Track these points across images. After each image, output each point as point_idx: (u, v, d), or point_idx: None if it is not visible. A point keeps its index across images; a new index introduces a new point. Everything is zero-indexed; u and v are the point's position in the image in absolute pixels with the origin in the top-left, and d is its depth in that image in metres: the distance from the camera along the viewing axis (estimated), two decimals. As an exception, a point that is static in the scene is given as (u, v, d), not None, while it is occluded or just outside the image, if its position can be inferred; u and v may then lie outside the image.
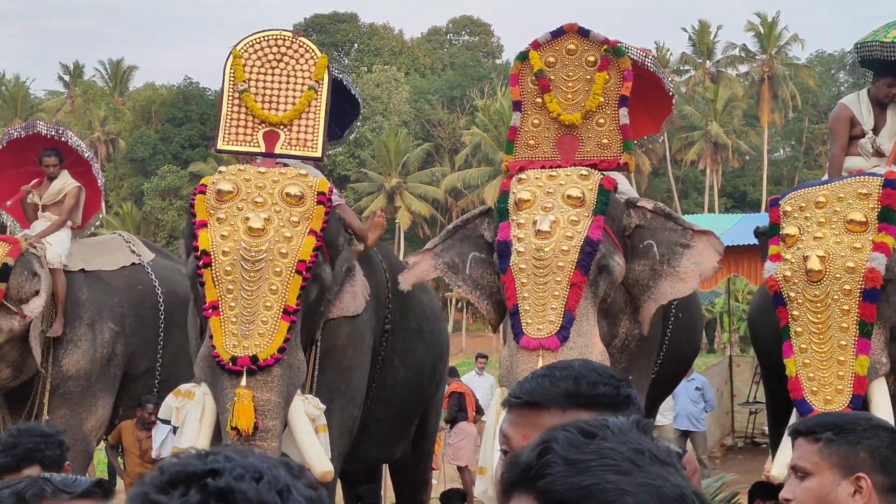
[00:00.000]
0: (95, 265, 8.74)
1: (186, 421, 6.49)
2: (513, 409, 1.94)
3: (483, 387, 14.17)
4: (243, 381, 6.20)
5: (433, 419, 9.43)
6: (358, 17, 61.28)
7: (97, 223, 9.73)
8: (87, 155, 8.99)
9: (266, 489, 1.14)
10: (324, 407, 6.61)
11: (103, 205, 9.32)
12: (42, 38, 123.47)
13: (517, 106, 7.22)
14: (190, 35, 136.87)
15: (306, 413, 6.48)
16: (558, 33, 7.19)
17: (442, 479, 12.69)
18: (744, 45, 56.46)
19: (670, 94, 8.04)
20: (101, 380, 8.44)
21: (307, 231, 6.58)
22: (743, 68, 57.58)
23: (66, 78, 60.04)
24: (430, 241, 7.35)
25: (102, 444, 9.60)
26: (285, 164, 7.11)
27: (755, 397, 15.52)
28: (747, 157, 55.46)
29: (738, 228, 13.89)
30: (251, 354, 6.23)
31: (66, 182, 8.80)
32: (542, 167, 6.89)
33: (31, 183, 8.77)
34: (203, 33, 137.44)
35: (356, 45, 60.06)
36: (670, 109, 8.17)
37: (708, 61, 56.50)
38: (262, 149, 7.22)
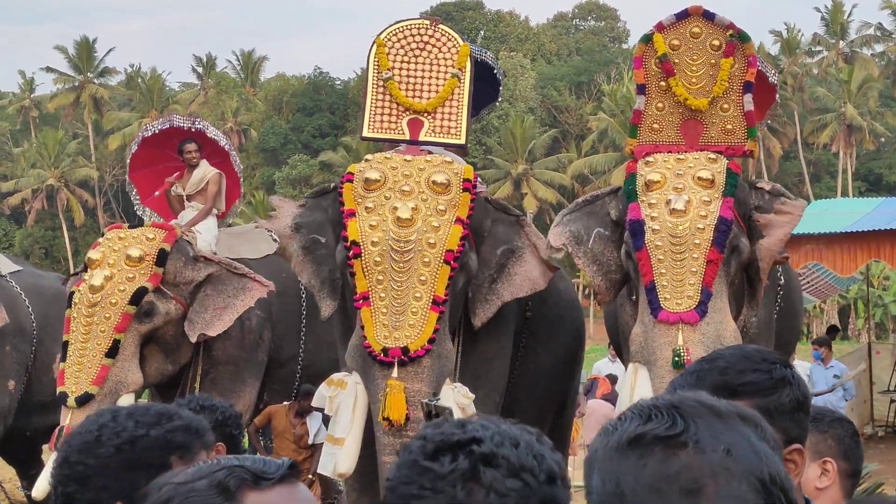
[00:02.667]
0: (241, 253, 8.85)
1: (339, 410, 6.56)
2: None
3: (616, 373, 14.08)
4: (394, 372, 6.24)
5: (570, 407, 9.40)
6: (483, 5, 61.31)
7: (238, 211, 9.90)
8: (224, 144, 9.13)
9: (525, 454, 1.25)
10: (473, 396, 6.62)
11: (242, 191, 9.48)
12: (176, 31, 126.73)
13: (641, 89, 7.24)
14: (320, 25, 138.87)
15: (455, 402, 6.49)
16: (683, 16, 7.17)
17: (580, 466, 12.63)
18: (879, 23, 54.93)
19: (773, 83, 8.06)
20: (248, 366, 8.57)
21: (454, 219, 6.60)
22: (879, 48, 55.98)
23: (200, 70, 61.41)
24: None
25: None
26: (429, 152, 7.13)
27: (896, 385, 15.16)
28: (883, 140, 53.91)
29: (879, 213, 13.57)
30: (402, 346, 6.28)
31: (206, 170, 8.96)
32: (669, 152, 6.95)
33: (174, 175, 8.96)
34: (332, 23, 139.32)
35: (482, 32, 60.05)
36: (774, 99, 8.26)
37: (841, 41, 55.01)
38: (407, 136, 7.25)
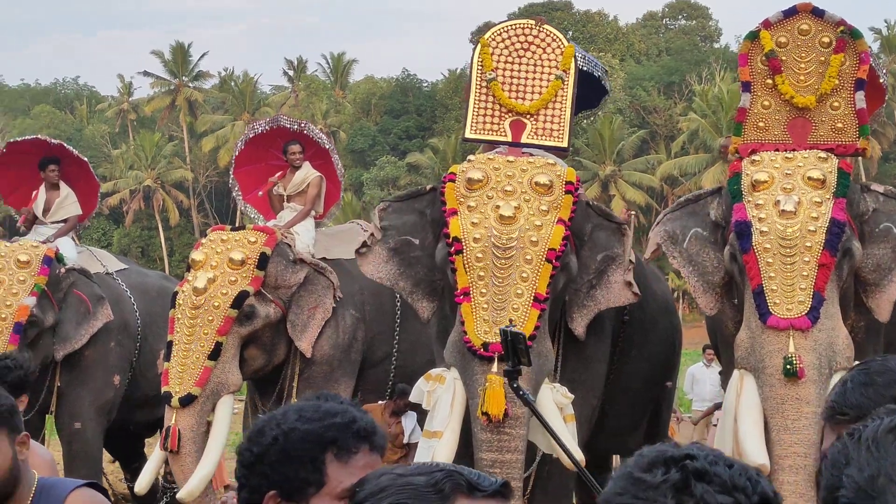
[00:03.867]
0: (336, 254, 8.96)
1: (437, 405, 6.60)
2: (839, 424, 1.95)
3: (711, 378, 13.93)
4: (494, 368, 6.26)
5: (665, 411, 9.35)
6: (572, 5, 61.00)
7: (337, 212, 10.02)
8: (327, 146, 9.26)
9: (738, 474, 1.29)
10: (572, 396, 6.62)
11: (342, 194, 9.60)
12: (268, 36, 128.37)
13: (746, 87, 7.10)
14: (408, 28, 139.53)
15: (554, 401, 6.51)
16: (791, 13, 7.03)
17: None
18: (985, 19, 53.39)
19: (883, 85, 7.85)
20: (342, 365, 8.67)
21: (556, 220, 6.60)
22: (984, 45, 54.50)
23: (291, 73, 62.11)
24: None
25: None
26: (530, 154, 7.15)
27: None
28: None
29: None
30: None
31: (308, 172, 9.09)
32: (776, 150, 6.79)
33: (277, 175, 9.10)
34: (420, 26, 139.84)
35: (570, 32, 59.72)
36: (883, 101, 7.99)
37: (944, 39, 53.68)
38: (509, 138, 7.26)
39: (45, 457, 3.73)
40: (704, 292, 6.86)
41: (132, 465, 11.27)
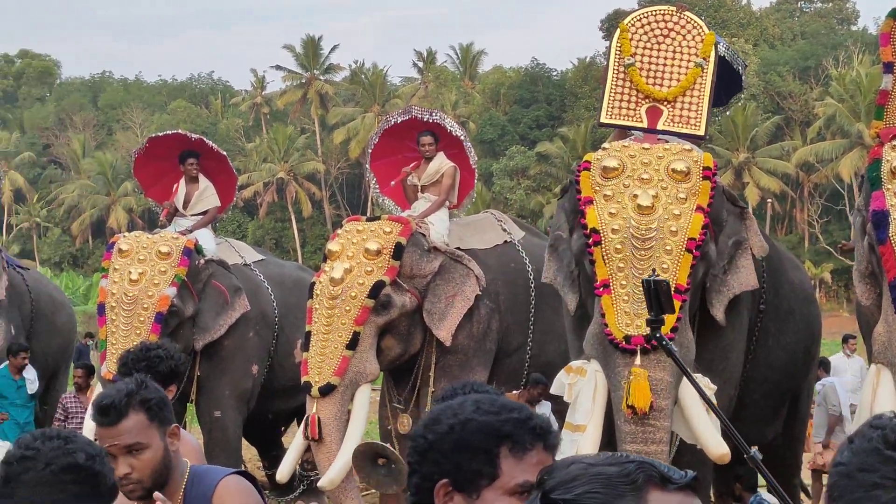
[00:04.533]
0: (470, 244, 8.95)
1: (579, 397, 6.55)
2: None
3: (852, 368, 13.53)
4: (637, 360, 6.18)
5: (804, 402, 9.11)
6: (704, -10, 59.96)
7: (470, 203, 10.00)
8: (460, 136, 9.23)
9: None
10: (714, 387, 6.48)
11: (481, 190, 9.57)
12: (398, 28, 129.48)
13: (888, 68, 6.80)
14: (537, 17, 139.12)
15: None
16: (934, -12, 6.73)
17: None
18: None
19: None
20: (477, 355, 8.65)
21: (694, 208, 6.47)
22: None
23: (420, 64, 62.51)
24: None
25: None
26: (666, 141, 7.02)
27: None
28: None
29: None
30: (645, 333, 6.20)
31: (442, 163, 9.09)
32: None
33: (410, 165, 9.13)
34: (549, 14, 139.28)
35: (702, 18, 58.76)
36: None
37: None
38: (645, 124, 7.15)
39: (193, 444, 3.79)
40: (858, 281, 6.66)
41: (270, 453, 11.48)
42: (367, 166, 9.67)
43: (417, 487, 2.03)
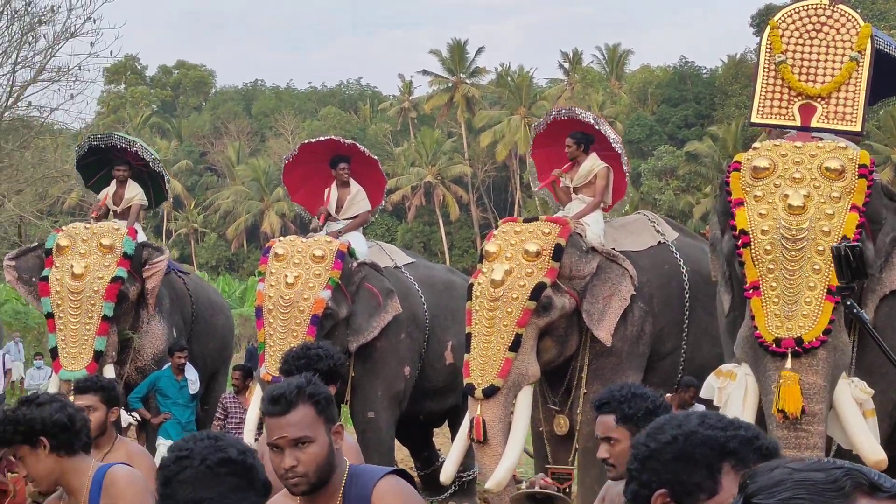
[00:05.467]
0: (624, 245, 8.86)
1: (729, 402, 6.46)
2: None
3: None
4: (788, 364, 6.07)
5: None
6: (860, -19, 58.13)
7: (623, 209, 9.92)
8: (613, 138, 9.11)
9: None
10: (871, 391, 6.33)
11: (628, 190, 9.47)
12: (543, 29, 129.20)
13: None
14: (684, 15, 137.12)
15: (853, 397, 6.24)
16: None
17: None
18: None
19: None
20: (630, 358, 8.58)
21: (849, 207, 6.32)
22: None
23: (566, 65, 62.23)
24: None
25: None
26: (820, 138, 6.87)
27: None
28: None
29: None
30: (795, 336, 6.08)
31: (594, 164, 9.03)
32: None
33: (564, 167, 9.11)
34: (697, 12, 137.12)
35: (858, 10, 57.00)
36: None
37: None
38: (798, 122, 7.01)
39: (351, 444, 3.87)
40: None
41: (422, 453, 11.62)
42: (529, 156, 9.60)
43: (635, 494, 2.04)
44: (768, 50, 7.15)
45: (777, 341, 6.13)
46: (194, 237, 63.94)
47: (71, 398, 4.29)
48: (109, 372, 9.66)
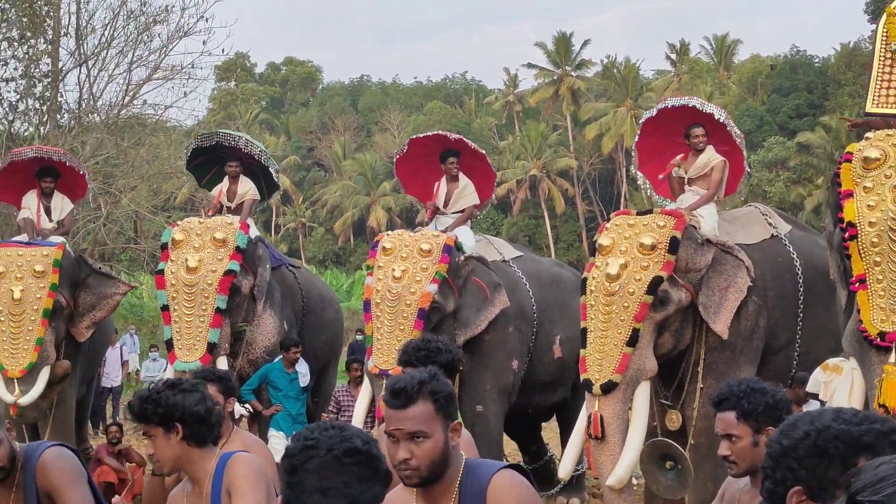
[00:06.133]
0: (736, 238, 8.72)
1: (834, 396, 6.36)
2: None
3: None
4: (892, 358, 5.92)
5: None
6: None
7: (739, 199, 9.74)
8: (730, 129, 8.95)
9: None
10: None
11: (743, 182, 9.31)
12: (649, 20, 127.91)
13: None
14: (794, 3, 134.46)
15: None
16: None
17: None
18: None
19: None
20: (744, 352, 8.43)
21: None
22: None
23: (673, 56, 61.53)
24: None
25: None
26: None
27: None
28: None
29: None
30: None
31: (711, 156, 8.90)
32: None
33: (678, 157, 9.00)
34: (808, 0, 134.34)
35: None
36: None
37: None
38: (916, 111, 6.82)
39: (466, 438, 3.88)
40: None
41: (530, 448, 11.61)
42: (634, 145, 9.49)
43: (770, 493, 2.01)
44: (884, 38, 6.97)
45: (881, 335, 5.99)
46: (302, 232, 64.80)
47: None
48: (222, 364, 9.83)
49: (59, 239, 10.93)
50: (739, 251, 8.25)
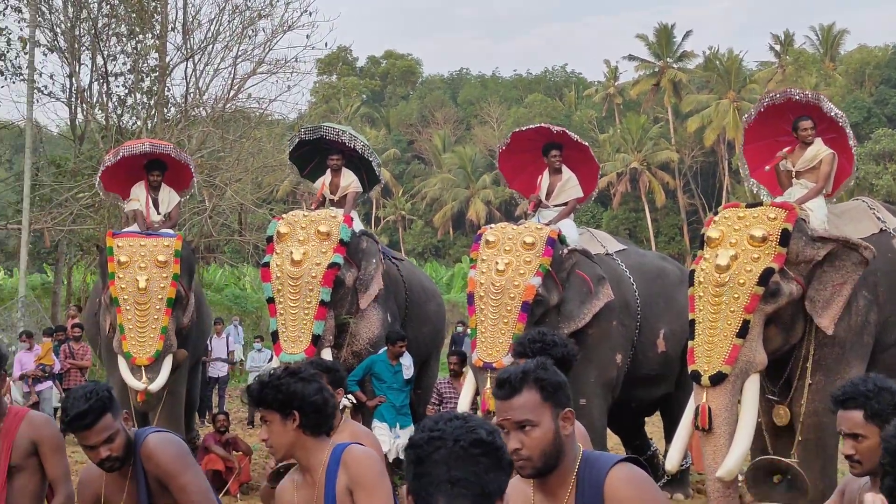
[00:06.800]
0: (844, 233, 8.54)
1: None
2: None
3: None
4: None
5: None
6: None
7: (845, 191, 9.56)
8: (840, 121, 8.81)
9: None
10: None
11: (854, 171, 9.12)
12: (753, 11, 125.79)
13: None
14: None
15: None
16: None
17: None
18: None
19: None
20: (854, 348, 8.27)
21: None
22: None
23: (777, 48, 60.51)
24: None
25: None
26: None
27: None
28: None
29: None
30: None
31: (819, 149, 8.75)
32: None
33: (785, 150, 8.86)
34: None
35: None
36: None
37: None
38: None
39: (580, 430, 3.87)
40: None
41: (633, 442, 11.52)
42: (740, 150, 9.43)
43: (890, 490, 1.98)
44: None
45: None
46: (402, 224, 65.19)
47: None
48: (327, 355, 9.92)
49: (171, 231, 11.17)
50: (866, 248, 8.05)
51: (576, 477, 2.96)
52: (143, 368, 10.13)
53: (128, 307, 10.29)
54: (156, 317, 10.30)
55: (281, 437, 3.62)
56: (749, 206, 8.23)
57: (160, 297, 10.38)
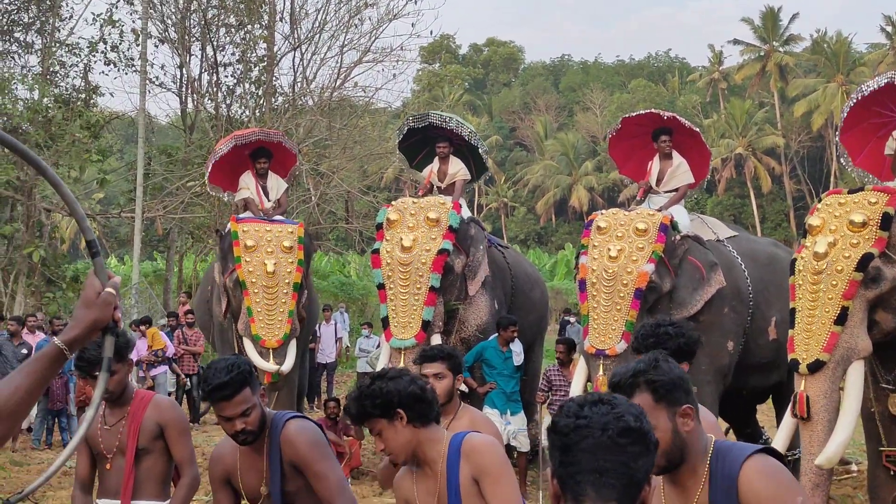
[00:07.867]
0: None
1: None
2: None
3: None
4: None
5: None
6: None
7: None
8: None
9: None
10: None
11: None
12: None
13: None
14: None
15: None
16: None
17: None
18: None
19: None
20: None
21: None
22: None
23: (889, 29, 58.94)
24: None
25: None
26: None
27: None
28: None
29: None
30: None
31: None
32: None
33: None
34: None
35: None
36: None
37: None
38: None
39: (710, 421, 3.84)
40: None
41: (745, 430, 11.38)
42: (837, 138, 9.24)
43: None
44: None
45: None
46: (504, 211, 65.16)
47: (411, 367, 4.48)
48: (436, 341, 9.99)
49: (285, 218, 11.37)
50: None
51: (708, 468, 2.92)
52: (270, 351, 10.36)
53: (256, 290, 10.51)
54: (283, 300, 10.51)
55: (396, 439, 3.61)
56: (851, 191, 8.05)
57: (287, 281, 10.60)
